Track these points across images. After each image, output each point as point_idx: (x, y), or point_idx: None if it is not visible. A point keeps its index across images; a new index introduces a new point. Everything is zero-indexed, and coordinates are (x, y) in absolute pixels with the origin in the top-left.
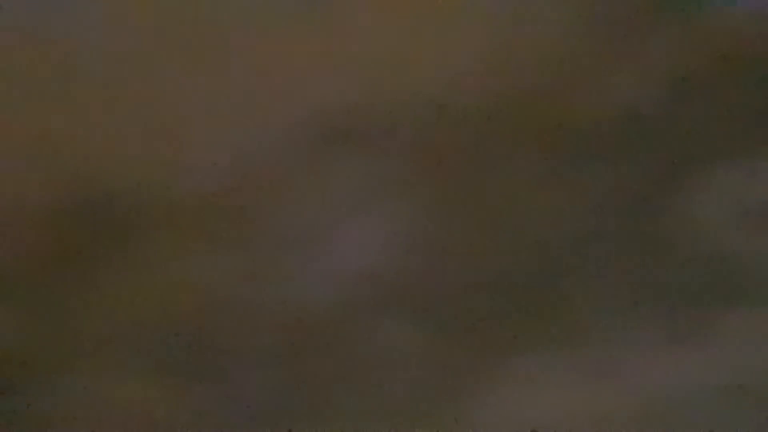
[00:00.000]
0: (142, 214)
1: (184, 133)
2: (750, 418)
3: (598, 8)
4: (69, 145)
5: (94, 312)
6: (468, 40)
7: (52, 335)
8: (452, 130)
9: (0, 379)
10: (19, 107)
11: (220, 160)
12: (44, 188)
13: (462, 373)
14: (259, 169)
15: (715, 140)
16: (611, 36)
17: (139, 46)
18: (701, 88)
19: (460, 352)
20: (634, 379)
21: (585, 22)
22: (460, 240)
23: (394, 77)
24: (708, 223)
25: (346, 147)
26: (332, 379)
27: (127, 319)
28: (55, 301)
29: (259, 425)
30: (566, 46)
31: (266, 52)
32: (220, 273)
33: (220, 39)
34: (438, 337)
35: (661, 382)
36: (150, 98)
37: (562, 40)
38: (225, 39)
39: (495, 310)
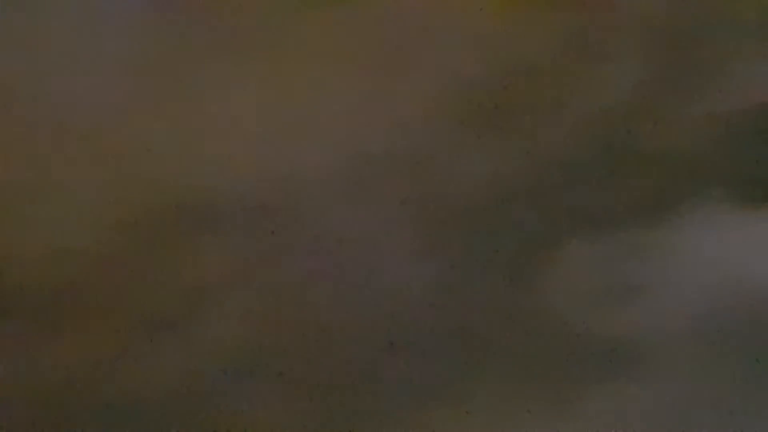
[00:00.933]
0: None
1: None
2: None
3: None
4: None
5: None
6: (345, 113)
7: None
8: (314, 208)
9: None
10: None
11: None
12: None
13: None
14: (125, 252)
15: (573, 216)
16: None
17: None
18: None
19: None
20: None
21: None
22: (332, 313)
23: (263, 153)
24: (563, 300)
25: (206, 226)
26: None
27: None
28: None
29: None
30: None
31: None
32: (87, 357)
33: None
34: (310, 407)
35: None
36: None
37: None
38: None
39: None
